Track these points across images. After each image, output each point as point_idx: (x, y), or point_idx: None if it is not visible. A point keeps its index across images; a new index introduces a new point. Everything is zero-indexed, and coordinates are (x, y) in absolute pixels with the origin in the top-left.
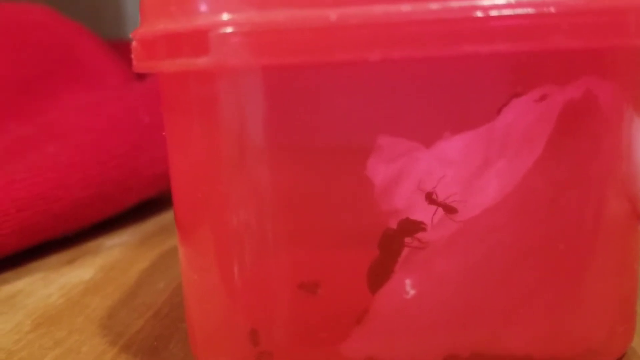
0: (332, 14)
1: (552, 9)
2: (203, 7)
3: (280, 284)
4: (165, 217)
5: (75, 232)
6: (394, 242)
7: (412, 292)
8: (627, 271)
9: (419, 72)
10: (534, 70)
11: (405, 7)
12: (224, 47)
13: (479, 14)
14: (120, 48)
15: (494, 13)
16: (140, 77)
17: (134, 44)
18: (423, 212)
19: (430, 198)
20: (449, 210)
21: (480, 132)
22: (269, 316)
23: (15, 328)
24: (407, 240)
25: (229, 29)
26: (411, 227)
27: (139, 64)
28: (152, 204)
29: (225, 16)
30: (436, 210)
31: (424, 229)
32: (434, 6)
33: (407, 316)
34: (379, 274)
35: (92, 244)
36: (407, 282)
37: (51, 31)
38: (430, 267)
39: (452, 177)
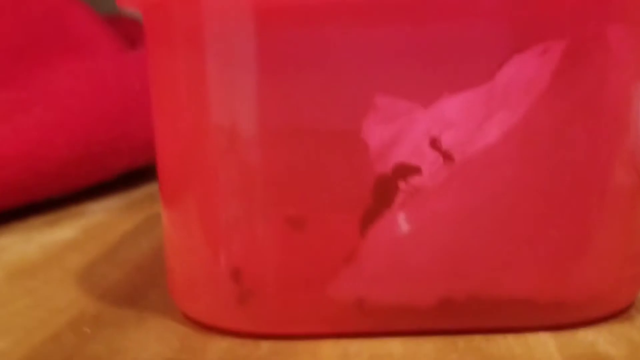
0: None
1: None
2: None
3: (265, 218)
4: (153, 187)
5: (60, 195)
6: (387, 187)
7: (404, 228)
8: (636, 213)
9: (416, 31)
10: (535, 26)
11: None
12: None
13: None
14: (114, 23)
15: None
16: (132, 48)
17: None
18: (424, 161)
19: (434, 144)
20: (448, 157)
21: (480, 90)
22: (253, 253)
23: None
24: (401, 184)
25: None
26: (405, 171)
27: None
28: (140, 174)
29: None
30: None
31: (418, 173)
32: None
33: (400, 256)
34: (372, 220)
35: (76, 208)
36: (400, 218)
37: (42, 1)
38: (425, 205)
39: (452, 135)
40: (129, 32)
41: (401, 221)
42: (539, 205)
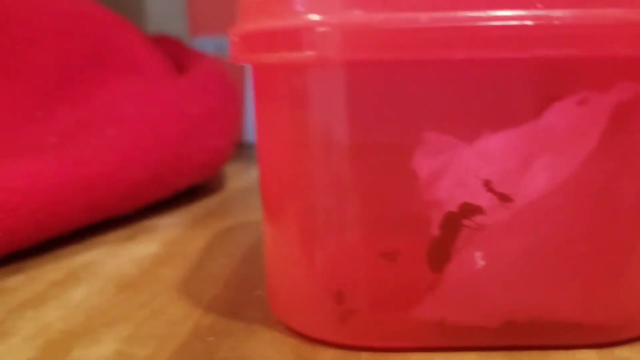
0: (422, 17)
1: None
2: (299, 8)
3: (364, 252)
4: (210, 202)
5: (132, 212)
6: (453, 223)
7: (477, 265)
8: None
9: (462, 75)
10: (571, 75)
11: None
12: (317, 43)
13: (554, 21)
14: (157, 42)
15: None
16: (181, 70)
17: (232, 38)
18: (472, 195)
19: (488, 186)
20: (504, 198)
21: (521, 131)
22: (354, 279)
23: (102, 291)
24: (465, 222)
25: (322, 28)
26: (470, 210)
27: (238, 57)
28: (196, 190)
29: (318, 16)
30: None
31: (481, 213)
32: (508, 13)
33: (472, 286)
34: (439, 251)
35: (146, 224)
36: (473, 256)
37: (96, 21)
38: (491, 244)
39: (493, 172)
40: (171, 51)
41: (477, 259)
42: (588, 245)
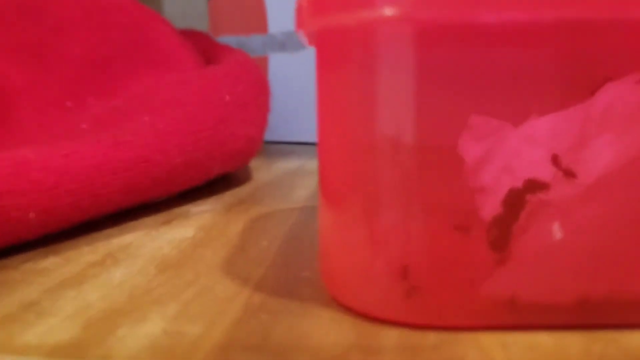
0: None
1: None
2: None
3: (435, 224)
4: (241, 191)
5: (167, 197)
6: (517, 200)
7: (550, 239)
8: None
9: (510, 55)
10: (625, 55)
11: None
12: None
13: None
14: (186, 36)
15: None
16: (209, 63)
17: (299, 3)
18: (517, 182)
19: (555, 160)
20: (570, 174)
21: (570, 112)
22: (422, 253)
23: (142, 271)
24: (529, 197)
25: None
26: (535, 186)
27: (307, 21)
28: (227, 179)
29: None
30: (554, 174)
31: (547, 188)
32: None
33: (545, 261)
34: (501, 229)
35: (180, 209)
36: (544, 231)
37: (128, 13)
38: (562, 218)
39: (541, 155)
40: (199, 44)
41: (549, 232)
42: None
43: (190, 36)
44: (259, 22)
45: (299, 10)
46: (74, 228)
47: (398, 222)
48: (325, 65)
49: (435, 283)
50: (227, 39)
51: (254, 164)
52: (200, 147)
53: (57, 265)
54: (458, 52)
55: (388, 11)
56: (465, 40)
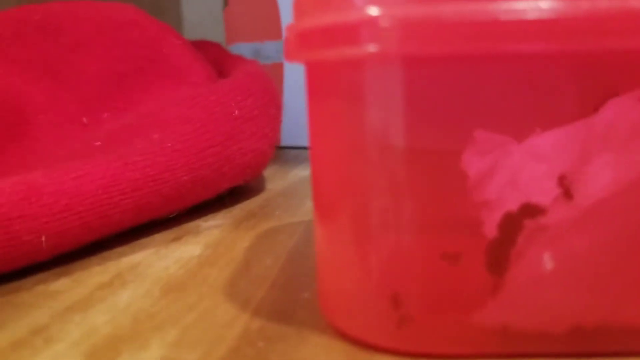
0: (497, 8)
1: None
2: (358, 2)
3: (423, 253)
4: (251, 204)
5: (177, 213)
6: (513, 224)
7: (543, 268)
8: None
9: (512, 71)
10: (630, 70)
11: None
12: (378, 37)
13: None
14: (199, 47)
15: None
16: (221, 74)
17: (288, 36)
18: (513, 205)
19: (559, 178)
20: (569, 194)
21: (574, 128)
22: (412, 282)
23: (147, 294)
24: (527, 222)
25: (383, 22)
26: (531, 210)
27: (294, 54)
28: (237, 192)
29: (378, 10)
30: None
31: (543, 212)
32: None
33: (538, 289)
34: (498, 253)
35: (190, 225)
36: (538, 258)
37: (141, 29)
38: (557, 245)
39: (545, 171)
40: (211, 55)
41: (543, 260)
42: None
43: (203, 47)
44: (273, 29)
45: (287, 43)
46: (86, 247)
47: (389, 246)
48: (313, 96)
49: (427, 311)
50: (242, 45)
51: (269, 171)
52: (208, 164)
53: (67, 287)
54: (451, 75)
55: (372, 48)
56: (458, 63)
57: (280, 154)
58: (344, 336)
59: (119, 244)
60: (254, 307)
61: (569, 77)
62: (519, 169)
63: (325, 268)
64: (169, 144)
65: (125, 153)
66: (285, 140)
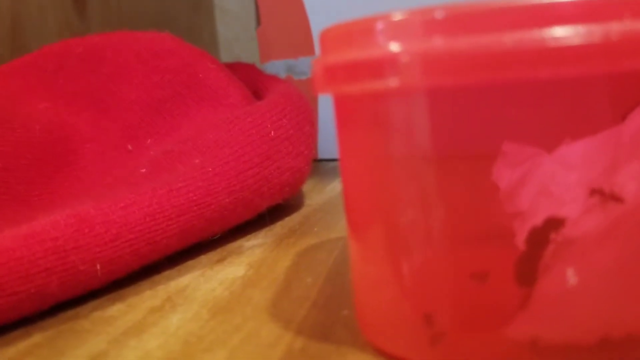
0: (507, 39)
1: None
2: (380, 38)
3: (453, 273)
4: (291, 221)
5: (220, 234)
6: (539, 238)
7: (571, 281)
8: None
9: (537, 88)
10: None
11: (572, 31)
12: (399, 72)
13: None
14: (233, 68)
15: None
16: (256, 94)
17: (314, 70)
18: (546, 214)
19: (592, 192)
20: (598, 205)
21: (603, 137)
22: (443, 301)
23: (195, 316)
24: (552, 236)
25: (404, 57)
26: (556, 223)
27: (322, 87)
28: (277, 209)
29: (399, 46)
30: (578, 208)
31: (568, 225)
32: (595, 29)
33: (566, 302)
34: (526, 266)
35: (233, 245)
36: (565, 272)
37: (178, 56)
38: (583, 258)
39: (576, 180)
40: (246, 76)
41: (569, 274)
42: None
43: (238, 69)
44: (305, 45)
45: (314, 76)
46: (137, 271)
47: (420, 264)
48: (341, 123)
49: (459, 329)
50: (276, 63)
51: (307, 186)
52: (247, 186)
53: (122, 312)
54: (475, 97)
55: (395, 82)
56: (481, 88)
57: (318, 166)
58: (381, 353)
59: (167, 267)
60: (296, 327)
61: (596, 87)
62: (550, 178)
63: (360, 285)
64: (210, 169)
65: (169, 180)
66: (322, 153)
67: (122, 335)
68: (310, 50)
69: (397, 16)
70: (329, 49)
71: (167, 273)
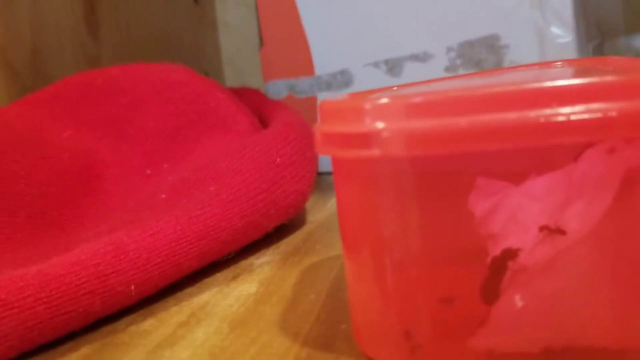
0: (462, 122)
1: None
2: (368, 118)
3: (426, 299)
4: (295, 239)
5: (233, 254)
6: (499, 265)
7: (519, 304)
8: None
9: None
10: (605, 125)
11: (511, 115)
12: (382, 144)
13: (562, 118)
14: (239, 93)
15: (573, 117)
16: (261, 119)
17: (316, 134)
18: (516, 237)
19: (547, 227)
20: (560, 232)
21: (560, 174)
22: (418, 321)
23: (217, 330)
24: (510, 263)
25: (386, 133)
26: (510, 254)
27: (321, 149)
28: (282, 228)
29: (382, 124)
30: (536, 242)
31: (519, 256)
32: (530, 114)
33: (515, 320)
34: (490, 289)
35: (245, 263)
36: (515, 297)
37: (190, 86)
38: (531, 284)
39: (539, 211)
40: (253, 103)
41: (517, 300)
42: (617, 282)
43: (245, 94)
44: (306, 66)
45: (316, 138)
46: (164, 289)
47: (402, 285)
48: (338, 179)
49: (432, 341)
50: (278, 82)
51: (309, 202)
52: (257, 210)
53: (154, 326)
54: (451, 155)
55: (378, 152)
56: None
57: (319, 180)
58: None
59: (188, 284)
60: (302, 339)
61: (553, 127)
62: (518, 208)
63: (354, 301)
64: (224, 196)
65: (188, 207)
66: (322, 167)
67: (156, 347)
68: (310, 71)
69: (383, 100)
70: (327, 119)
71: (189, 290)
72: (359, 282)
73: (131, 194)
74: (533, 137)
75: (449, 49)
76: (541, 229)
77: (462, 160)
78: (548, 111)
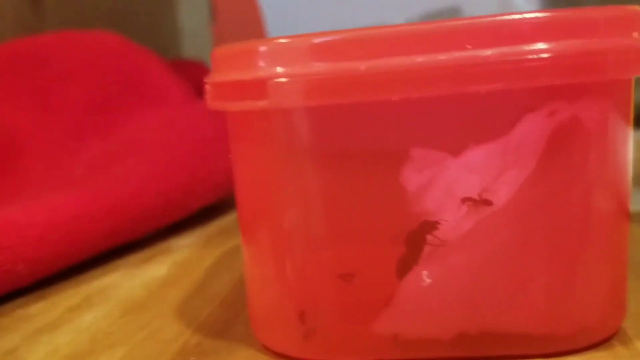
0: (361, 66)
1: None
2: (262, 63)
3: (323, 274)
4: (225, 220)
5: (150, 234)
6: (417, 239)
7: (428, 281)
8: (616, 260)
9: (446, 97)
10: (544, 89)
11: (418, 59)
12: (278, 93)
13: (479, 60)
14: (179, 67)
15: (491, 59)
16: (199, 94)
17: (207, 87)
18: (450, 213)
19: (470, 199)
20: (487, 203)
21: (498, 143)
22: (315, 300)
23: (108, 315)
24: (429, 238)
25: (282, 79)
26: (429, 226)
27: (212, 103)
28: (213, 209)
29: (279, 69)
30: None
31: (439, 228)
32: (441, 57)
33: (426, 301)
34: (405, 266)
35: (163, 245)
36: (425, 273)
37: (121, 56)
38: (445, 260)
39: (476, 182)
40: (192, 74)
41: (424, 276)
42: (536, 256)
43: (185, 67)
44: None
45: (206, 92)
46: (65, 271)
47: (295, 269)
48: (233, 138)
49: (329, 325)
50: None
51: None
52: (179, 187)
53: (42, 310)
54: (364, 109)
55: (276, 102)
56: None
57: None
58: (265, 348)
59: (94, 267)
60: (199, 324)
61: (496, 97)
62: (455, 180)
63: (249, 286)
64: (142, 171)
65: (101, 180)
66: None
67: (36, 331)
68: None
69: (280, 40)
70: (219, 66)
71: (93, 272)
72: (253, 262)
73: (52, 170)
74: (442, 84)
75: (408, 21)
76: (463, 200)
77: (389, 126)
78: (462, 53)
